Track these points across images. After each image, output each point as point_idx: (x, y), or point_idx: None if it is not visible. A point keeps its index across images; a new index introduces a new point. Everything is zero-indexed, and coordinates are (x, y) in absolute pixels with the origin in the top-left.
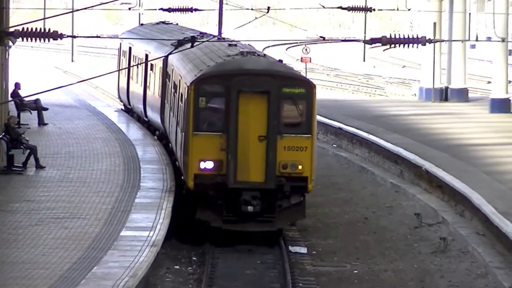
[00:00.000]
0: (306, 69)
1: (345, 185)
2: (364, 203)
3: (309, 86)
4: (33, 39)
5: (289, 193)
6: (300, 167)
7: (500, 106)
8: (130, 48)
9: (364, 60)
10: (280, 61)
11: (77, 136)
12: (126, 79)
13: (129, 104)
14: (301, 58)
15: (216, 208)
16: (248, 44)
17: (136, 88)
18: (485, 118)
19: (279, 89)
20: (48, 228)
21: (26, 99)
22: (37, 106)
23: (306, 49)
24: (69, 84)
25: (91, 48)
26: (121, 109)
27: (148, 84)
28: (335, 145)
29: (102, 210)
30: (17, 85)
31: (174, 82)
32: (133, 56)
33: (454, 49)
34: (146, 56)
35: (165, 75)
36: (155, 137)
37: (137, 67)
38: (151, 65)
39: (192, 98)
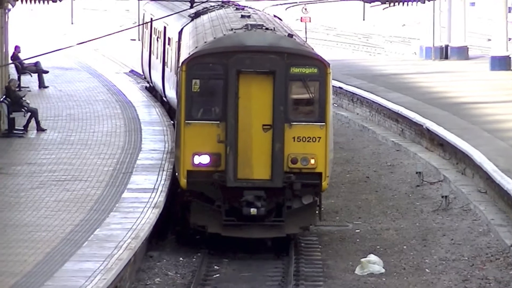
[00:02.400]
0: (305, 28)
1: (346, 145)
2: (366, 162)
3: (323, 65)
4: (33, 1)
5: (299, 192)
6: (312, 161)
7: (500, 63)
8: (151, 19)
9: (364, 19)
10: (291, 35)
11: (78, 99)
12: (148, 53)
13: (151, 82)
14: (301, 18)
15: (213, 210)
16: (267, 14)
17: (156, 64)
18: (486, 75)
19: (286, 69)
20: (50, 190)
21: (26, 62)
22: (37, 69)
23: (305, 9)
24: (69, 46)
25: (92, 11)
26: (145, 87)
27: (166, 60)
28: (335, 105)
29: (104, 172)
30: (17, 48)
31: None
32: (154, 28)
33: (453, 7)
34: (165, 29)
35: (179, 51)
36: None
37: (157, 41)
38: (169, 39)
39: (184, 80)
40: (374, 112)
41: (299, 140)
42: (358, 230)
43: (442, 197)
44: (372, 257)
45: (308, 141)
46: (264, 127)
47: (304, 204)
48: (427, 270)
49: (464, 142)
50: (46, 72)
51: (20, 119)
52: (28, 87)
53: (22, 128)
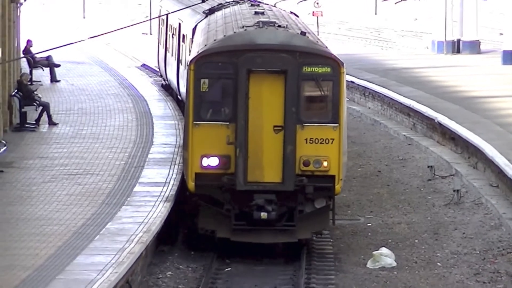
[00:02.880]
0: (317, 23)
1: (358, 139)
2: (377, 156)
3: (336, 64)
4: None
5: (312, 195)
6: (325, 163)
7: None
8: (167, 16)
9: (376, 13)
10: (304, 33)
11: (90, 93)
12: (164, 50)
13: (167, 79)
14: (313, 12)
15: (223, 214)
16: (283, 10)
17: (171, 61)
18: (497, 69)
19: (299, 68)
20: (62, 184)
21: (38, 56)
22: (49, 63)
23: (317, 3)
24: (81, 40)
25: (107, 4)
26: (162, 84)
27: (180, 58)
28: (347, 99)
29: (116, 166)
30: (29, 42)
31: None
32: (169, 25)
33: (465, 1)
34: (179, 25)
35: (192, 48)
36: None
37: (172, 37)
38: (183, 36)
39: (192, 80)
40: (386, 106)
41: (311, 141)
42: (370, 224)
43: (454, 191)
44: (383, 251)
45: (321, 142)
46: (275, 128)
47: (317, 208)
48: (438, 263)
49: (476, 136)
50: (58, 66)
51: (32, 113)
52: (40, 81)
53: (34, 122)
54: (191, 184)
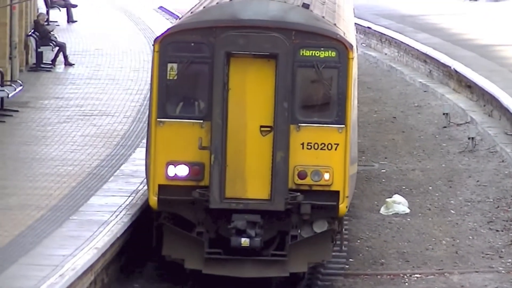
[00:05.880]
0: None
1: (374, 84)
2: (393, 102)
3: (343, 47)
4: None
5: (309, 216)
6: (326, 176)
7: None
8: None
9: None
10: (306, 5)
11: (106, 33)
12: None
13: None
14: None
15: (193, 239)
16: None
17: None
18: None
19: (294, 52)
20: (77, 125)
21: None
22: (66, 3)
23: None
24: None
25: None
26: None
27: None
28: (364, 44)
29: (131, 107)
30: None
31: None
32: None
33: None
34: None
35: None
36: None
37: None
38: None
39: (157, 64)
40: (402, 53)
41: (309, 147)
42: (384, 170)
43: (469, 138)
44: (397, 197)
45: (321, 148)
46: (263, 129)
47: (316, 233)
48: (452, 211)
49: (492, 84)
50: (75, 6)
51: (48, 53)
52: (56, 21)
53: (50, 63)
54: (153, 199)
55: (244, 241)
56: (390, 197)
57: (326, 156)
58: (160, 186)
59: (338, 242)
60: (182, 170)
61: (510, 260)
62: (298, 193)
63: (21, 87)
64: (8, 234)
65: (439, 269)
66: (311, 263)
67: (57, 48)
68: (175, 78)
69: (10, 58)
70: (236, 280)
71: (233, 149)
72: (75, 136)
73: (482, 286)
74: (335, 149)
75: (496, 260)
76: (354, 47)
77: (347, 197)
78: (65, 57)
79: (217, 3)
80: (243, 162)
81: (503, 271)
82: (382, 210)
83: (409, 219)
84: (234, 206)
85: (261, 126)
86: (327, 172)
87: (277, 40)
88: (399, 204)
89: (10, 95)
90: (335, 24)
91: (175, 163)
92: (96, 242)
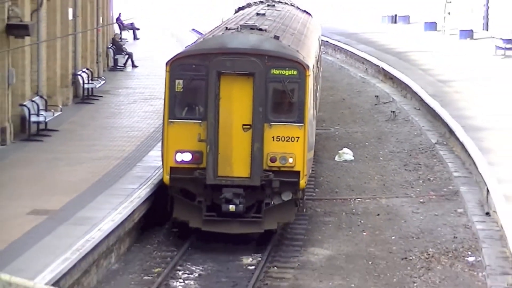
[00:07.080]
0: None
1: (330, 77)
2: (342, 89)
3: (302, 68)
4: None
5: (278, 189)
6: (291, 160)
7: (430, 26)
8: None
9: None
10: (277, 37)
11: (158, 46)
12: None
13: None
14: None
15: (195, 206)
16: (294, 9)
17: None
18: (420, 34)
19: (267, 71)
20: (140, 105)
21: (125, 22)
22: (132, 27)
23: None
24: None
25: None
26: None
27: None
28: (324, 52)
29: None
30: (119, 14)
31: None
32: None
33: None
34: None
35: None
36: None
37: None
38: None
39: (168, 80)
40: (348, 57)
41: (278, 139)
42: (337, 133)
43: (391, 112)
44: (346, 150)
45: (287, 140)
46: (244, 127)
47: (284, 201)
48: (381, 158)
49: (406, 77)
50: (138, 29)
51: (121, 59)
52: (126, 38)
53: (122, 65)
54: (166, 177)
55: (232, 207)
56: (341, 150)
57: (290, 146)
58: (171, 168)
59: (301, 205)
60: (187, 156)
61: (418, 189)
62: (270, 173)
63: (104, 81)
64: (97, 175)
65: (373, 195)
66: (280, 222)
67: (127, 56)
68: (181, 90)
69: (97, 63)
70: (225, 235)
71: (223, 141)
72: (139, 112)
73: (400, 205)
74: (297, 141)
75: (409, 189)
76: (311, 67)
77: (305, 175)
78: (132, 61)
79: (212, 35)
80: (230, 150)
81: (413, 196)
82: (336, 158)
83: (353, 164)
84: (224, 182)
85: (243, 125)
86: (291, 157)
87: (254, 63)
88: (347, 154)
89: (97, 86)
90: (297, 51)
91: (182, 151)
92: (153, 179)
